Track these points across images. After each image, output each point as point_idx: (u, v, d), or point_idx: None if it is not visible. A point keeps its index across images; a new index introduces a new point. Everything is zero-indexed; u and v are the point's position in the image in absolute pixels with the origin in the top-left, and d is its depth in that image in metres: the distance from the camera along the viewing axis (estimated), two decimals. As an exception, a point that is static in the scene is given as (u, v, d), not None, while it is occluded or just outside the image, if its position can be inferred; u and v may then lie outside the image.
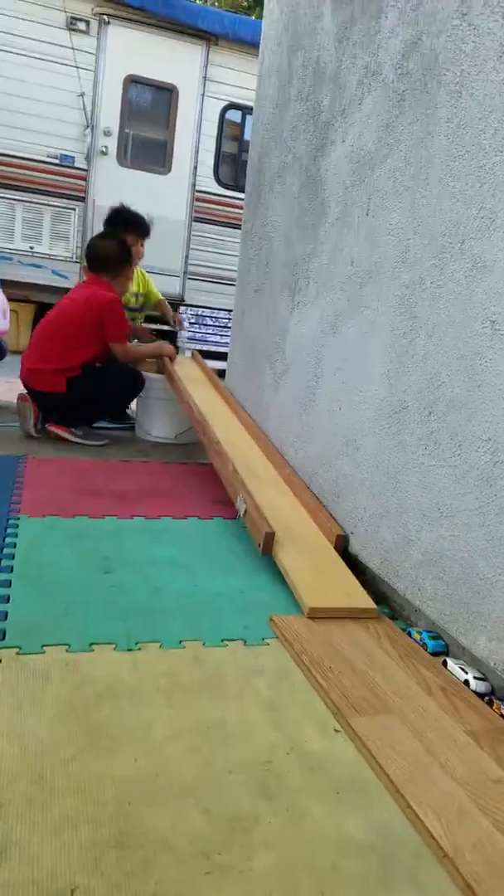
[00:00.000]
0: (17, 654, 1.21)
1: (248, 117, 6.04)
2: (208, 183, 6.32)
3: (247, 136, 6.12)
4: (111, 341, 2.84)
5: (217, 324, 6.46)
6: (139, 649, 1.28)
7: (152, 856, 0.81)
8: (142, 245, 3.31)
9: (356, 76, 1.88)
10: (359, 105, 1.86)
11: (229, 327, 6.20)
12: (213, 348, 5.92)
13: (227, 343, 5.86)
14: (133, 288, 3.42)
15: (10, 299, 5.32)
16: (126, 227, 3.18)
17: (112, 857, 0.80)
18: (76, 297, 2.89)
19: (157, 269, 5.45)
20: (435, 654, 1.37)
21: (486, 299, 1.31)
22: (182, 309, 6.10)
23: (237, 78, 6.06)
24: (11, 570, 1.54)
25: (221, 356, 4.03)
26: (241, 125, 6.27)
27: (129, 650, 1.27)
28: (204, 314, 6.41)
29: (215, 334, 6.43)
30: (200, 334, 6.27)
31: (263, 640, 1.39)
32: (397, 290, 1.62)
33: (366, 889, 0.81)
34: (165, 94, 6.05)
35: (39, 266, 6.01)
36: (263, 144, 2.71)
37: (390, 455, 1.61)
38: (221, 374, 3.10)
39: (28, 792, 0.88)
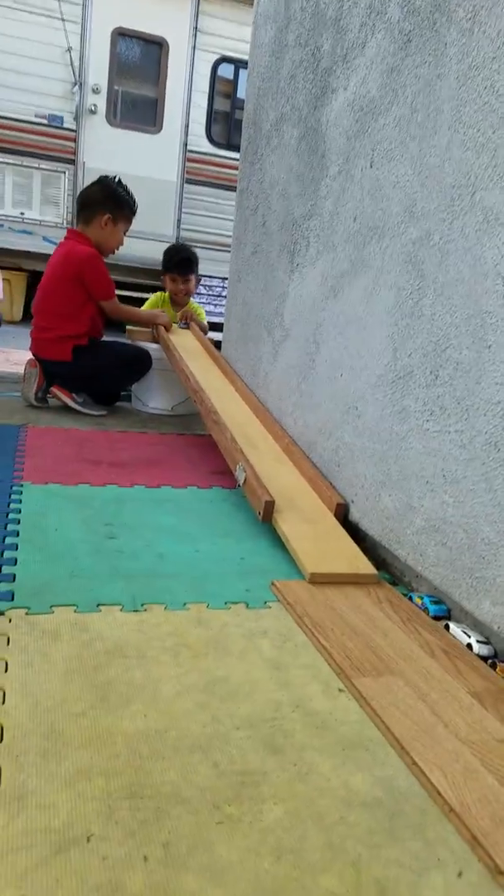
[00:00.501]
0: (27, 614, 1.22)
1: (242, 72, 5.89)
2: (200, 142, 6.17)
3: (240, 93, 5.97)
4: (97, 299, 2.78)
5: (211, 293, 6.37)
6: (145, 610, 1.29)
7: (164, 806, 0.83)
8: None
9: (359, 17, 1.82)
10: (362, 49, 1.80)
11: (223, 296, 6.13)
12: (208, 318, 5.86)
13: (220, 313, 5.81)
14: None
15: (2, 268, 5.25)
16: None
17: (125, 807, 0.81)
18: (54, 258, 2.83)
19: (147, 235, 5.35)
20: (437, 618, 1.39)
21: (498, 255, 1.27)
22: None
23: (230, 29, 5.88)
24: (17, 535, 1.54)
25: (216, 327, 3.99)
26: (234, 81, 6.10)
27: (136, 611, 1.28)
28: (197, 281, 6.31)
29: (209, 303, 6.34)
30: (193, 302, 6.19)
31: (265, 603, 1.40)
32: (403, 247, 1.59)
33: (373, 841, 0.83)
34: (155, 48, 5.87)
35: (30, 233, 5.89)
36: (259, 95, 2.63)
37: (393, 422, 1.61)
38: (216, 345, 3.07)
39: (42, 745, 0.89)
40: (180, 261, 3.28)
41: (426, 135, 1.50)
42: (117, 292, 2.95)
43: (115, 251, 2.92)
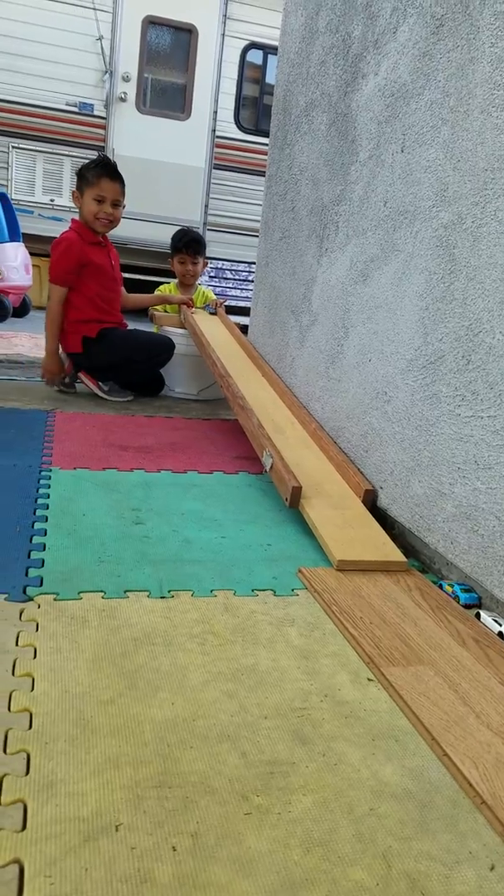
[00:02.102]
0: (55, 599, 1.22)
1: (270, 58, 5.82)
2: (229, 128, 6.13)
3: (268, 78, 5.91)
4: (49, 279, 2.74)
5: (237, 277, 6.34)
6: (172, 597, 1.29)
7: (193, 796, 0.82)
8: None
9: (390, 3, 1.78)
10: (393, 34, 1.76)
11: (250, 280, 6.10)
12: (234, 303, 5.83)
13: (247, 297, 5.78)
14: (199, 303, 3.29)
15: (31, 254, 5.28)
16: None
17: (154, 796, 0.81)
18: None
19: (175, 220, 5.34)
20: (467, 606, 1.36)
21: (532, 240, 1.24)
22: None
23: (259, 15, 5.82)
24: (46, 520, 1.55)
25: (242, 311, 3.96)
26: (263, 66, 6.04)
27: (163, 598, 1.28)
28: (224, 267, 6.28)
29: (235, 288, 6.31)
30: (220, 288, 6.17)
31: (293, 590, 1.39)
32: (434, 231, 1.55)
33: (404, 833, 0.81)
34: (184, 36, 5.84)
35: (60, 219, 5.90)
36: (289, 81, 2.59)
37: (423, 407, 1.58)
38: (242, 329, 3.05)
39: (71, 732, 0.90)
40: (190, 241, 3.26)
41: (458, 119, 1.47)
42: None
43: (99, 219, 2.70)
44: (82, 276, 2.73)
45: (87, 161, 2.89)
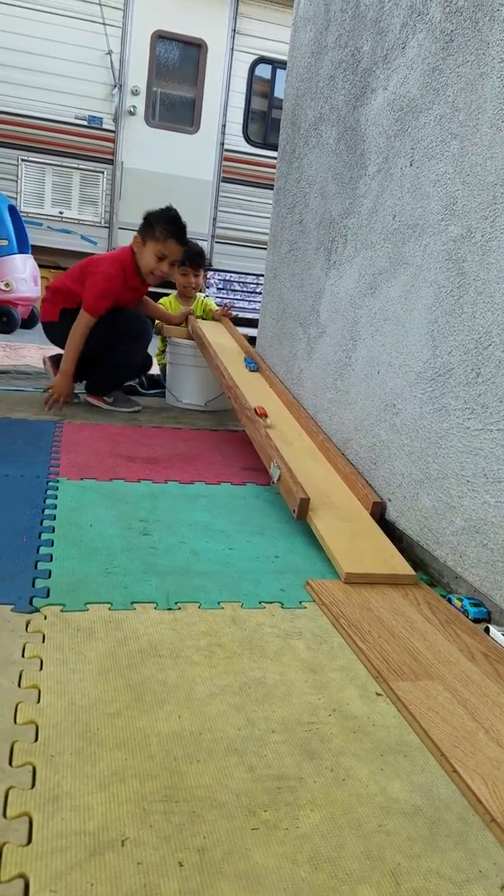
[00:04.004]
0: (62, 611, 1.22)
1: (279, 72, 5.87)
2: (237, 141, 6.18)
3: (276, 92, 5.96)
4: (83, 304, 2.64)
5: (245, 289, 6.37)
6: (179, 609, 1.28)
7: (200, 810, 0.81)
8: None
9: (400, 18, 1.80)
10: (402, 49, 1.78)
11: (258, 293, 6.13)
12: (241, 314, 5.86)
13: (255, 309, 5.80)
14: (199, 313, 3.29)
15: (39, 265, 5.31)
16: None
17: (160, 811, 0.80)
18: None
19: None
20: (476, 620, 1.35)
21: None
22: (209, 274, 6.02)
23: (267, 30, 5.88)
24: (53, 531, 1.55)
25: (250, 323, 3.94)
26: (271, 81, 6.10)
27: (170, 609, 1.27)
28: (232, 279, 6.31)
29: (243, 300, 6.33)
30: (228, 300, 6.19)
31: (300, 603, 1.38)
32: (443, 244, 1.56)
33: (413, 851, 0.80)
34: (193, 50, 5.90)
35: (69, 231, 5.97)
36: (298, 96, 2.61)
37: (432, 420, 1.58)
38: (249, 341, 3.05)
39: (77, 745, 0.89)
40: (194, 255, 3.27)
41: (468, 133, 1.48)
42: (151, 289, 2.93)
43: (154, 274, 2.71)
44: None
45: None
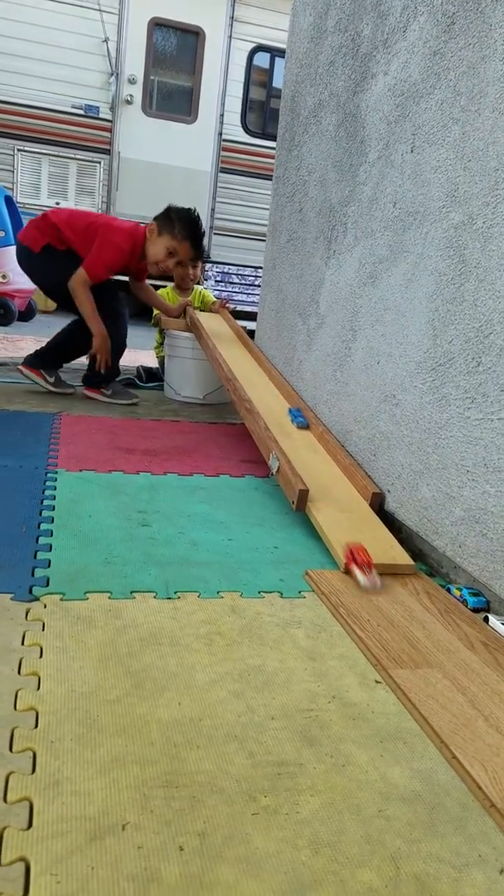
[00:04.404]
0: (61, 600, 1.22)
1: (277, 60, 5.82)
2: (235, 131, 6.13)
3: (275, 81, 5.92)
4: (84, 265, 2.59)
5: (244, 282, 6.34)
6: (178, 598, 1.28)
7: (200, 796, 0.82)
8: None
9: (400, 1, 1.78)
10: (403, 33, 1.76)
11: (256, 285, 6.10)
12: (240, 307, 5.84)
13: (253, 302, 5.78)
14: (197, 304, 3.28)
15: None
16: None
17: (160, 796, 0.81)
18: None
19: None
20: (476, 610, 1.35)
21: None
22: (207, 266, 5.99)
23: (266, 18, 5.83)
24: (52, 521, 1.55)
25: (248, 316, 3.92)
26: (270, 70, 6.05)
27: (169, 598, 1.28)
28: (230, 272, 6.28)
29: (241, 293, 6.30)
30: (226, 293, 6.17)
31: (300, 592, 1.38)
32: (444, 231, 1.55)
33: (413, 836, 0.81)
34: (191, 38, 5.84)
35: (65, 221, 5.90)
36: (297, 82, 2.59)
37: (432, 410, 1.57)
38: (248, 334, 3.04)
39: (77, 731, 0.89)
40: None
41: (469, 118, 1.46)
42: (148, 281, 2.91)
43: (158, 265, 2.71)
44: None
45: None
